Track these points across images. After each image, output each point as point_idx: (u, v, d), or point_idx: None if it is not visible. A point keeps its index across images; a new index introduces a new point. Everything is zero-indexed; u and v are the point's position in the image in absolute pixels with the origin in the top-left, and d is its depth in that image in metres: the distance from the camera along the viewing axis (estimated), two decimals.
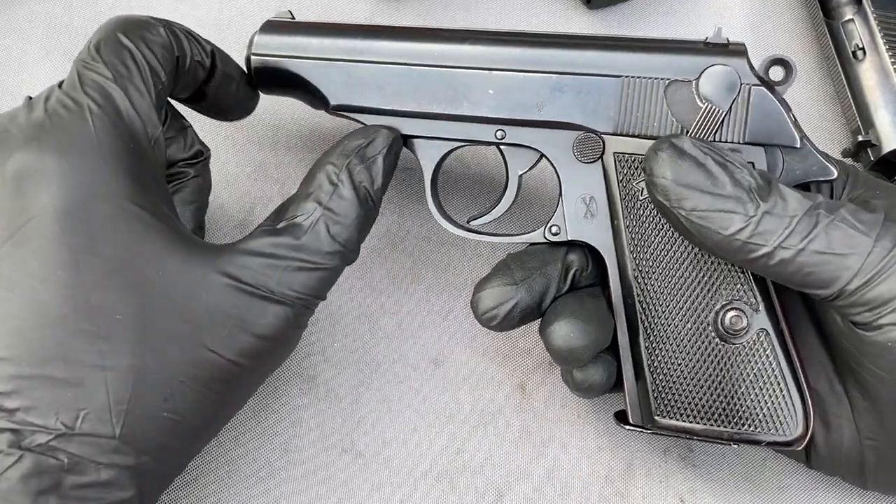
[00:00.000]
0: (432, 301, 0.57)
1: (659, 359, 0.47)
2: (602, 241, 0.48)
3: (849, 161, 0.58)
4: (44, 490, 0.38)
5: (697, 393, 0.47)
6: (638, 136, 0.47)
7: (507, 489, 0.53)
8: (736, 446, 0.47)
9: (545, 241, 0.50)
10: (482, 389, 0.56)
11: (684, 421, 0.47)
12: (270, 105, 0.53)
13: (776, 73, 0.47)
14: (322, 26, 0.51)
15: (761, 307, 0.46)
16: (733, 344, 0.46)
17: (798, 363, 0.46)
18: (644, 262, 0.47)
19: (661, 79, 0.47)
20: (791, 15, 0.64)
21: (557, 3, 0.64)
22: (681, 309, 0.47)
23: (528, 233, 0.50)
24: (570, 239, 0.49)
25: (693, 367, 0.47)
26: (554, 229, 0.49)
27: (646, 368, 0.47)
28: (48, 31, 0.63)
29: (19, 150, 0.40)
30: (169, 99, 0.48)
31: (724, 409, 0.46)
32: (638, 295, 0.47)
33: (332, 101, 0.50)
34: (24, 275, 0.39)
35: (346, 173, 0.45)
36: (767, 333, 0.46)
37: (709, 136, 0.47)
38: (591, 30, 0.63)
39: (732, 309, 0.46)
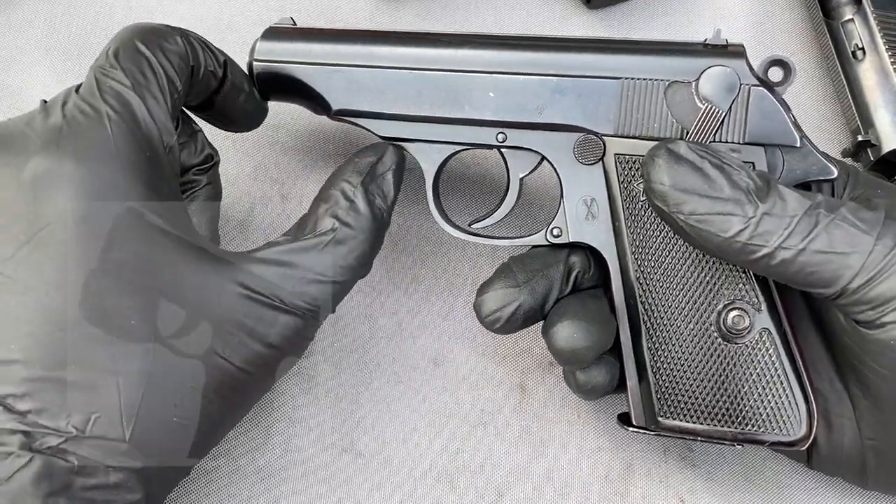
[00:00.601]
0: (432, 301, 0.57)
1: (662, 359, 0.47)
2: (604, 242, 0.49)
3: (849, 161, 0.58)
4: (54, 492, 0.38)
5: (701, 393, 0.47)
6: (638, 138, 0.47)
7: (507, 489, 0.54)
8: (740, 447, 0.47)
9: (547, 243, 0.50)
10: (482, 389, 0.56)
11: (688, 422, 0.47)
12: (271, 106, 0.53)
13: (775, 74, 0.47)
14: (323, 32, 0.51)
15: (763, 307, 0.46)
16: (736, 344, 0.46)
17: (801, 362, 0.46)
18: (646, 263, 0.47)
19: (661, 80, 0.47)
20: (791, 15, 0.64)
21: (557, 3, 0.64)
22: (683, 309, 0.47)
23: (530, 235, 0.50)
24: (571, 241, 0.49)
25: (696, 368, 0.47)
26: (556, 231, 0.49)
27: (648, 369, 0.47)
28: (48, 31, 0.63)
29: (37, 155, 0.40)
30: None
31: (727, 410, 0.46)
32: (640, 296, 0.47)
33: (334, 107, 0.50)
34: (40, 279, 0.39)
35: (361, 190, 0.47)
36: (770, 333, 0.46)
37: (709, 136, 0.47)
38: (591, 29, 0.63)
39: (734, 309, 0.46)
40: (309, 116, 0.57)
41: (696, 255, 0.47)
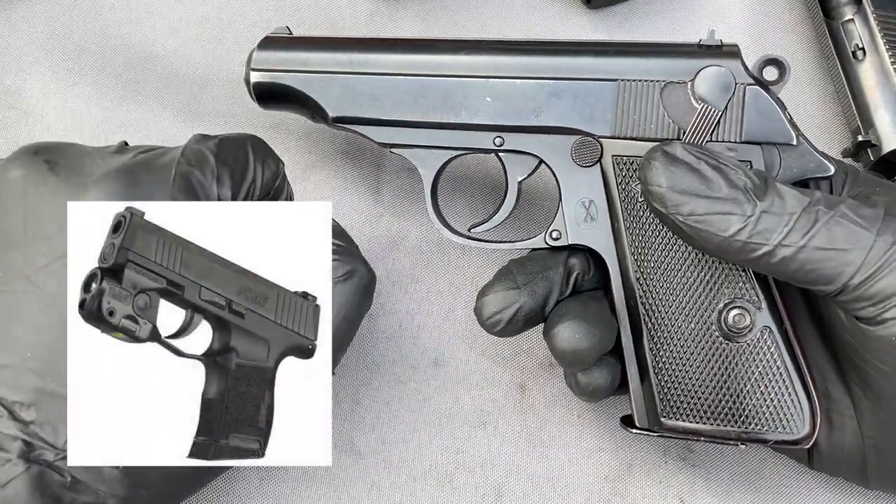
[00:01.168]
0: (432, 301, 0.57)
1: (663, 360, 0.47)
2: (603, 244, 0.49)
3: (849, 161, 0.58)
4: (46, 502, 0.39)
5: (703, 393, 0.47)
6: (635, 139, 0.48)
7: (507, 489, 0.53)
8: (743, 446, 0.47)
9: (546, 246, 0.50)
10: (482, 389, 0.56)
11: (691, 422, 0.47)
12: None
13: (770, 73, 0.47)
14: (319, 40, 0.52)
15: (764, 305, 0.46)
16: (737, 343, 0.46)
17: (803, 360, 0.46)
18: (646, 264, 0.47)
19: (657, 81, 0.47)
20: (791, 15, 0.64)
21: (557, 3, 0.64)
22: (684, 309, 0.47)
23: (529, 238, 0.50)
24: (570, 243, 0.49)
25: (698, 368, 0.47)
26: (555, 234, 0.49)
27: (650, 370, 0.47)
28: (48, 31, 0.63)
29: (96, 186, 0.41)
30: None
31: (730, 409, 0.46)
32: (640, 297, 0.47)
33: (332, 114, 0.51)
34: (65, 294, 0.40)
35: None
36: (771, 331, 0.46)
37: (705, 136, 0.47)
38: (591, 29, 0.63)
39: (735, 307, 0.46)
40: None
41: (696, 255, 0.47)
